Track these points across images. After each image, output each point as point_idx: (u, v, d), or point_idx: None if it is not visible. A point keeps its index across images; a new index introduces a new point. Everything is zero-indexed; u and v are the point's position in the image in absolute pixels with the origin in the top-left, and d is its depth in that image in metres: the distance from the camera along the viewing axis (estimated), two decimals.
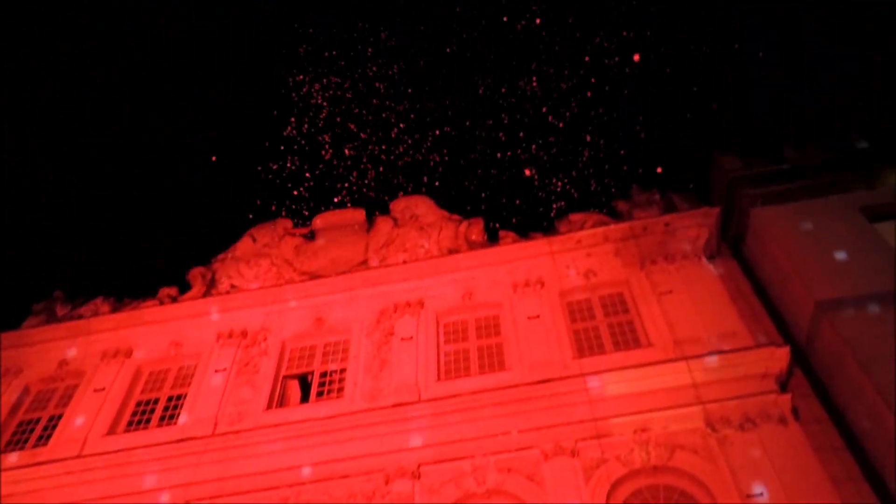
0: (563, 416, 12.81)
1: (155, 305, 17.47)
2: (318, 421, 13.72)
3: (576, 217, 16.80)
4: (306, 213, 19.33)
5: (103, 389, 15.83)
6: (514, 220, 18.12)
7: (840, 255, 13.28)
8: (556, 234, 16.54)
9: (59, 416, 15.77)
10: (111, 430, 15.02)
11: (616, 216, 16.64)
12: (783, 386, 12.65)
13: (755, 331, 13.75)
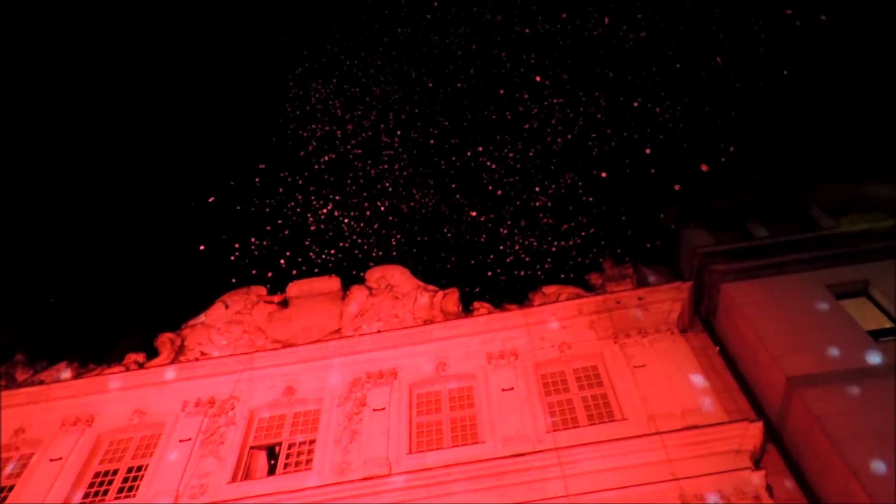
0: (537, 492, 12.57)
1: (120, 372, 17.02)
2: (285, 494, 13.28)
3: (549, 289, 16.93)
4: (279, 280, 19.14)
5: (60, 459, 15.21)
6: (487, 294, 18.14)
7: (810, 332, 13.49)
8: (531, 305, 16.62)
9: (11, 488, 15.04)
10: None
11: (589, 289, 16.82)
12: (757, 462, 12.62)
13: (728, 406, 13.84)
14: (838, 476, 11.26)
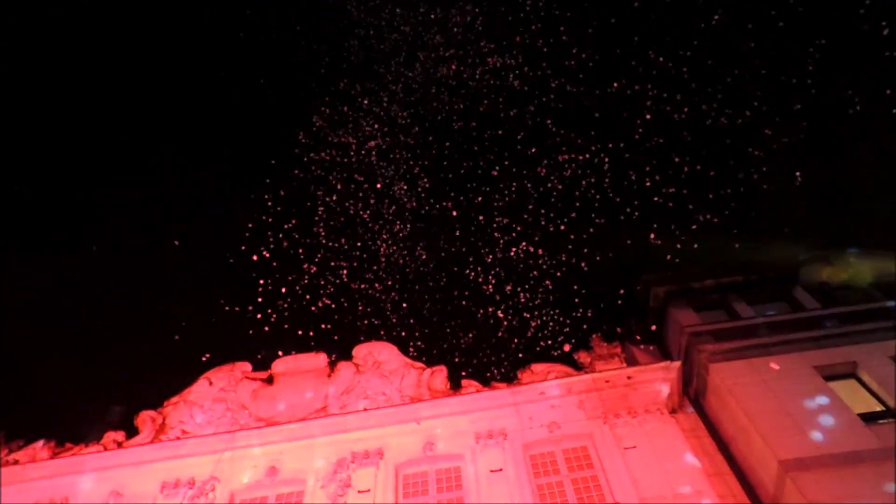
0: None
1: (98, 451, 16.54)
2: None
3: (538, 367, 16.84)
4: (264, 357, 18.91)
5: None
6: (475, 372, 18.03)
7: (800, 415, 13.42)
8: (519, 384, 16.47)
9: None
10: None
11: (578, 367, 16.74)
12: None
13: (720, 490, 13.60)
14: None
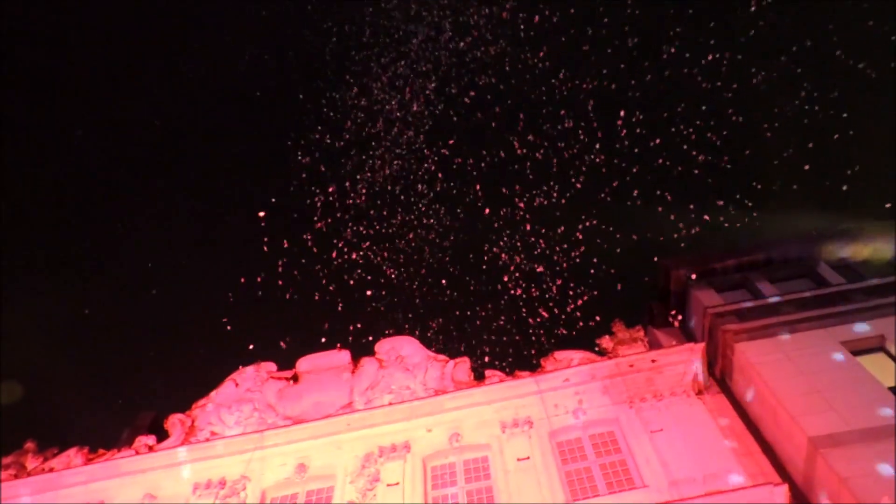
0: None
1: (130, 455, 16.79)
2: None
3: (561, 355, 16.78)
4: (289, 356, 19.06)
5: None
6: (498, 362, 18.05)
7: (829, 391, 13.27)
8: (543, 371, 16.44)
9: None
10: None
11: (601, 353, 16.66)
12: None
13: (751, 470, 13.47)
14: None
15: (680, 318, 17.72)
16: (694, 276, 17.30)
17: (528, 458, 14.71)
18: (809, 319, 14.97)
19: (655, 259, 18.67)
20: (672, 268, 17.71)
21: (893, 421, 12.14)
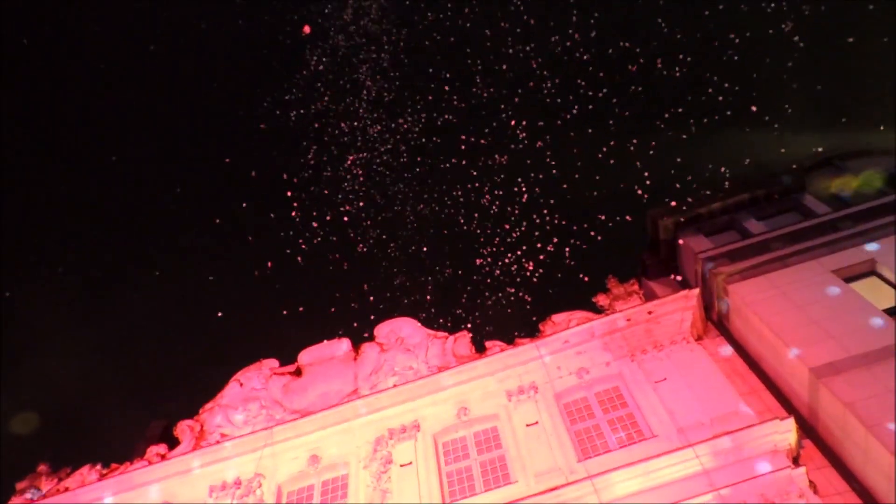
0: None
1: (144, 466, 16.83)
2: None
3: (559, 317, 16.79)
4: (289, 350, 19.05)
5: None
6: (497, 332, 18.04)
7: (826, 320, 13.29)
8: (542, 336, 16.46)
9: None
10: None
11: (598, 311, 16.67)
12: (795, 460, 12.30)
13: (757, 407, 13.57)
14: (881, 462, 10.95)
15: (672, 266, 17.72)
16: (680, 224, 17.27)
17: (536, 423, 14.78)
18: (799, 252, 14.98)
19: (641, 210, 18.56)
20: (658, 218, 17.68)
21: (893, 339, 12.17)
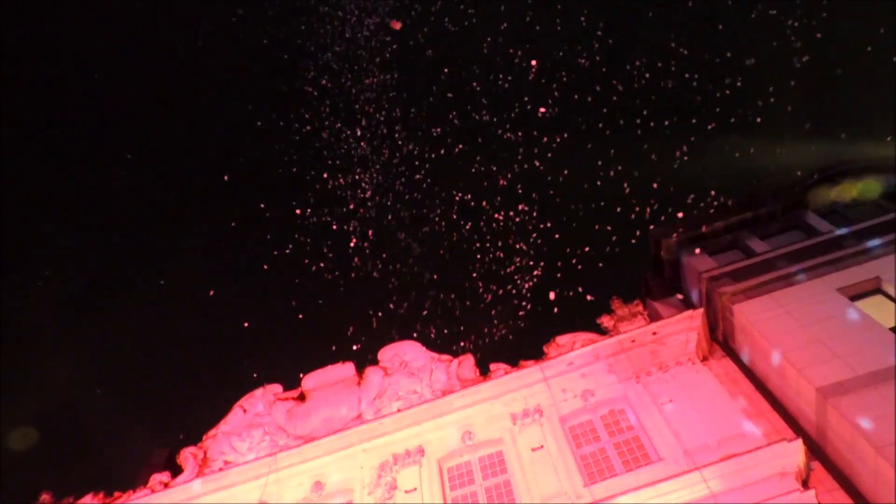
0: None
1: (146, 495, 16.72)
2: None
3: (563, 339, 16.70)
4: (292, 375, 18.99)
5: None
6: (501, 355, 17.96)
7: (831, 339, 13.17)
8: (547, 358, 16.36)
9: None
10: None
11: (602, 332, 16.58)
12: (805, 483, 12.11)
13: (765, 429, 13.39)
14: (890, 483, 10.77)
15: (676, 286, 17.63)
16: (683, 243, 17.20)
17: (541, 447, 14.65)
18: (804, 271, 14.87)
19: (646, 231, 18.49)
20: (661, 237, 17.62)
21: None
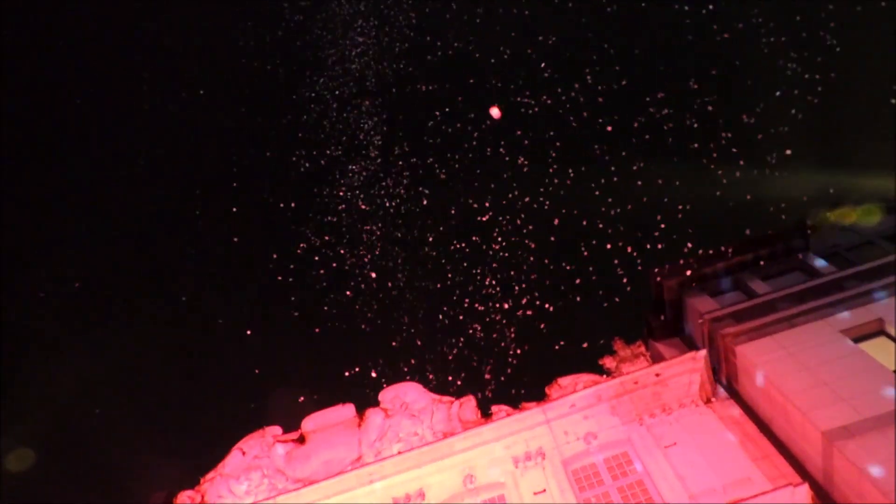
0: None
1: None
2: None
3: (565, 380, 16.60)
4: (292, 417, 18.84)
5: None
6: (503, 396, 17.85)
7: (836, 382, 13.07)
8: (549, 400, 16.23)
9: None
10: None
11: (604, 374, 16.49)
12: None
13: (770, 473, 13.25)
14: None
15: (678, 327, 17.58)
16: (685, 284, 17.21)
17: (544, 490, 14.46)
18: (806, 312, 14.83)
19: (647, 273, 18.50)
20: (663, 278, 17.61)
21: None
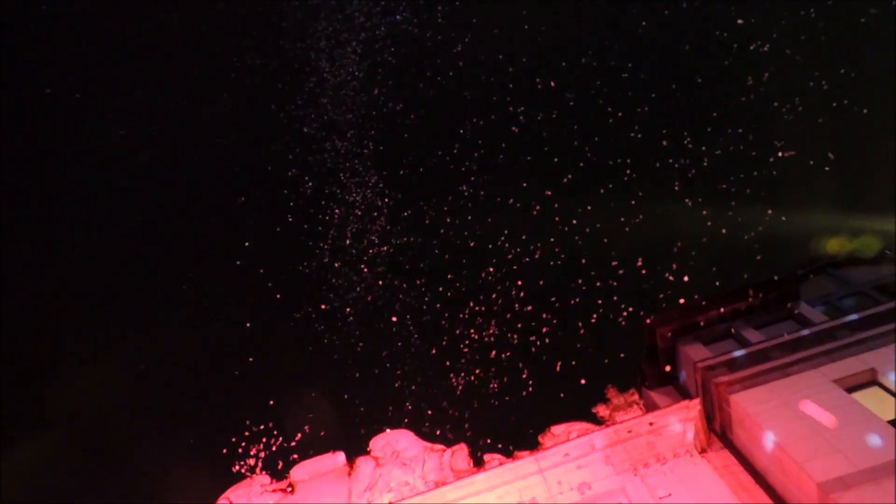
0: None
1: None
2: None
3: (558, 429, 16.44)
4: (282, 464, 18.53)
5: None
6: (496, 445, 17.64)
7: (830, 432, 13.02)
8: (542, 449, 16.04)
9: None
10: None
11: (598, 422, 16.34)
12: None
13: None
14: None
15: (672, 375, 17.52)
16: (678, 332, 17.24)
17: None
18: (799, 361, 14.85)
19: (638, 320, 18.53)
20: (656, 326, 17.63)
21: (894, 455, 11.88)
